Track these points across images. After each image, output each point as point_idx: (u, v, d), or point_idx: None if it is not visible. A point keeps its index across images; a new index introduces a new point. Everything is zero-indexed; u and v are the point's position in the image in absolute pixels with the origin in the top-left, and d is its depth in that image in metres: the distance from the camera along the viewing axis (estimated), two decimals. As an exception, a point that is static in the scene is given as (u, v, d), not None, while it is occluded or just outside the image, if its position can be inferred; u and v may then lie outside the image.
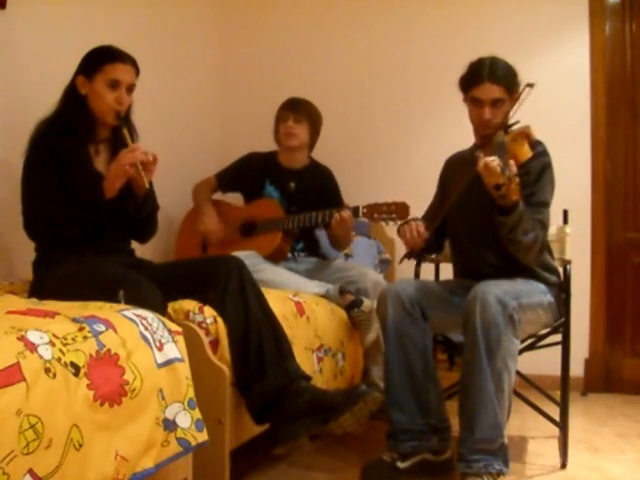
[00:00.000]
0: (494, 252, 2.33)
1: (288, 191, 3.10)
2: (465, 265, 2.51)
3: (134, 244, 2.42)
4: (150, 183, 2.20)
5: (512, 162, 2.06)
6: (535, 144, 2.26)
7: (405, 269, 2.74)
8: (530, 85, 2.22)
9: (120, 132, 2.21)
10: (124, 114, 2.23)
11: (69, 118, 2.20)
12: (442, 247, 2.66)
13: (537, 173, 2.26)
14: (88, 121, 2.22)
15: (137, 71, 2.26)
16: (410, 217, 2.43)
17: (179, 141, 3.46)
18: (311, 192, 3.08)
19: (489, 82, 2.26)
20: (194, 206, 3.27)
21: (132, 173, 2.13)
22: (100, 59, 2.21)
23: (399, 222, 2.60)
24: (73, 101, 2.22)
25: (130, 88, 2.24)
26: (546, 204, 2.27)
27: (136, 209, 2.25)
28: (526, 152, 2.18)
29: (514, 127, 2.26)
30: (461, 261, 2.53)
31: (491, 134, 2.26)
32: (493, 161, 2.06)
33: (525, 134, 2.22)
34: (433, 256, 2.82)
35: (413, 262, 2.67)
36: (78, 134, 2.20)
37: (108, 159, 2.27)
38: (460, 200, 2.30)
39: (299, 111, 3.08)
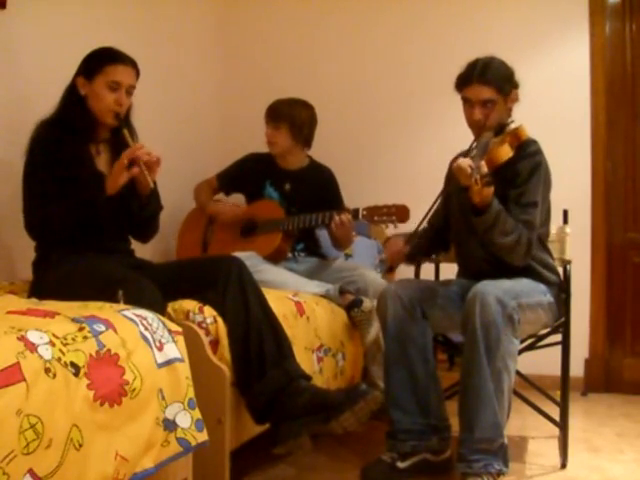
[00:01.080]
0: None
1: (285, 192, 3.10)
2: (465, 262, 2.51)
3: (134, 244, 2.43)
4: (154, 183, 2.20)
5: (483, 164, 2.05)
6: (528, 144, 2.26)
7: (405, 269, 2.73)
8: None
9: (120, 133, 2.21)
10: (123, 115, 2.23)
11: (69, 118, 2.21)
12: (449, 246, 2.64)
13: (527, 173, 2.23)
14: (88, 121, 2.22)
15: (137, 73, 2.26)
16: (392, 234, 2.43)
17: (178, 142, 3.46)
18: (309, 193, 3.07)
19: (478, 83, 2.25)
20: (197, 206, 3.27)
21: (136, 172, 2.12)
22: (101, 60, 2.21)
23: (399, 224, 2.60)
24: (73, 102, 2.22)
25: (130, 90, 2.24)
26: (535, 204, 2.23)
27: (140, 209, 2.26)
28: (505, 153, 2.16)
29: (509, 127, 2.25)
30: (461, 257, 2.53)
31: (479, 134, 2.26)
32: (463, 162, 2.06)
33: (514, 134, 2.21)
34: (433, 256, 2.82)
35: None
36: (78, 134, 2.21)
37: (109, 159, 2.27)
38: (460, 197, 2.30)
39: (275, 118, 3.06)
